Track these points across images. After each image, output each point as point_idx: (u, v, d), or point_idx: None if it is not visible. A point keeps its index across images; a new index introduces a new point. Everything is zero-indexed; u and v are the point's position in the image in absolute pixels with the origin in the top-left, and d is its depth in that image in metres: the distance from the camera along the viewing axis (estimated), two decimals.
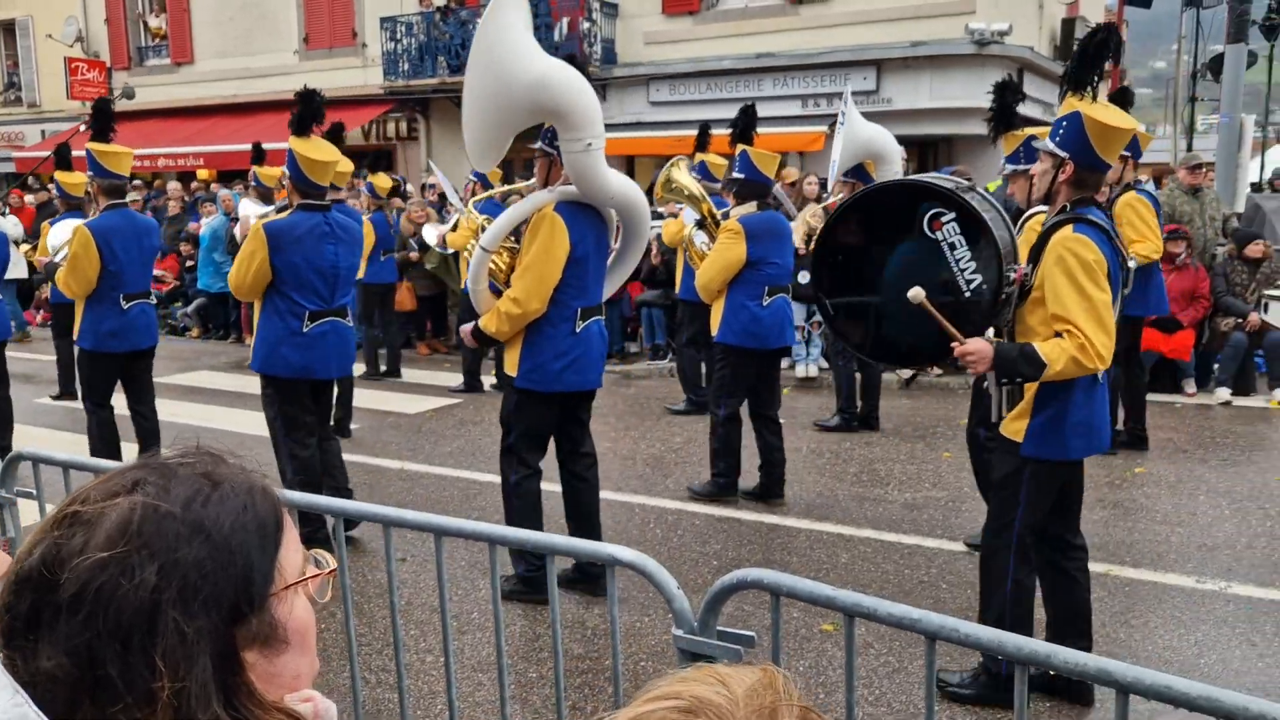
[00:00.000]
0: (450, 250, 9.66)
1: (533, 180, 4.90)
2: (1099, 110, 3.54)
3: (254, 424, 7.36)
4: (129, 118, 18.97)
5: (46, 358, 10.54)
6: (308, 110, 5.30)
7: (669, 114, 16.04)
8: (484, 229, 4.75)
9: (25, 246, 10.85)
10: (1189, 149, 15.98)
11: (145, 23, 22.70)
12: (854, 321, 3.78)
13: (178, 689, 0.87)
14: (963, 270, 3.43)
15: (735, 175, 6.25)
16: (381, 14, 18.26)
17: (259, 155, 8.89)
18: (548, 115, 4.41)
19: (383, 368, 10.48)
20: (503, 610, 2.64)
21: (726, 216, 6.28)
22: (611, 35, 16.84)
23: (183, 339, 13.64)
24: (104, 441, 6.25)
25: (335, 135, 5.97)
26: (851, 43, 14.84)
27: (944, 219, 3.43)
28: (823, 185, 9.67)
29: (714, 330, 6.22)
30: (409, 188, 14.21)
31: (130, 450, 6.41)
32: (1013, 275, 3.51)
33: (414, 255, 11.17)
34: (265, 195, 8.74)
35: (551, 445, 4.95)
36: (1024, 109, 10.69)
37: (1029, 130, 5.43)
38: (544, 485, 4.91)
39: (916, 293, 3.39)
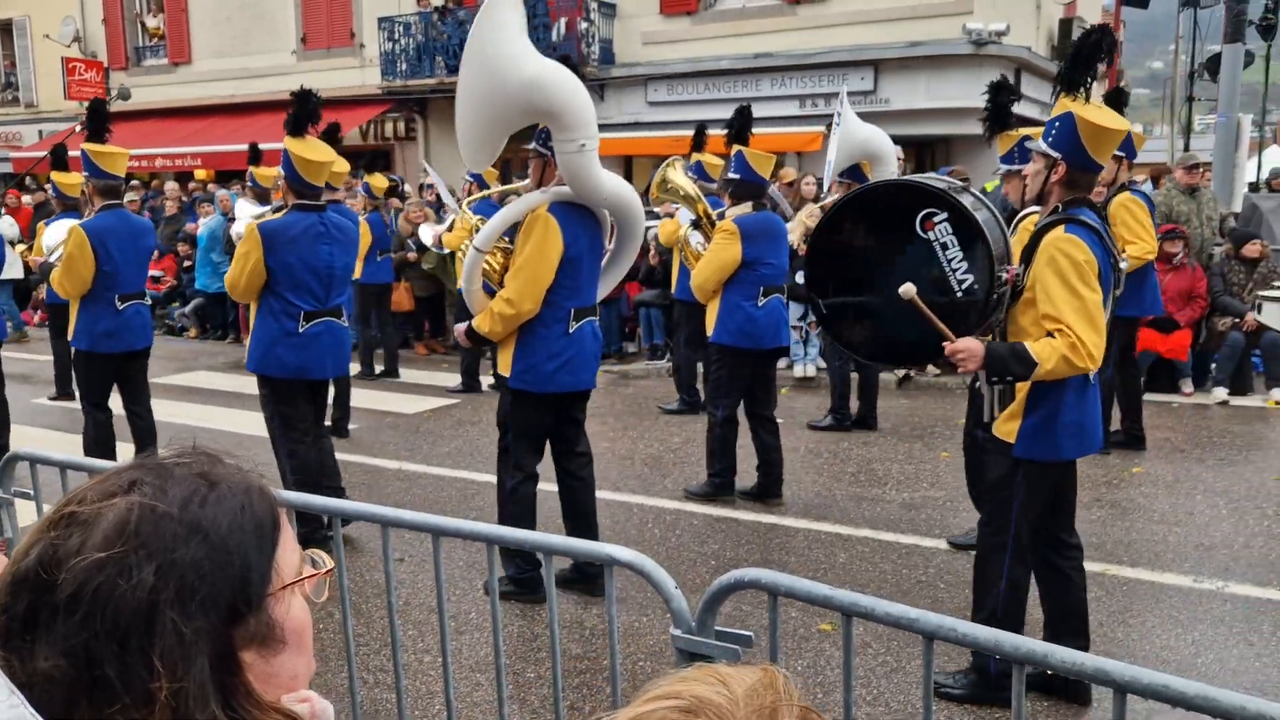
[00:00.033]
0: (446, 250, 9.66)
1: (528, 181, 4.90)
2: (1091, 111, 3.55)
3: (252, 424, 7.36)
4: (126, 118, 19.01)
5: (44, 358, 10.54)
6: (303, 110, 5.30)
7: (667, 114, 16.03)
8: (479, 229, 4.75)
9: (21, 247, 10.83)
10: (1186, 149, 15.98)
11: (143, 23, 22.66)
12: (847, 321, 3.78)
13: (176, 689, 0.86)
14: (954, 270, 3.44)
15: (730, 176, 6.25)
16: (379, 14, 18.24)
17: (255, 156, 8.88)
18: (541, 116, 4.41)
19: (379, 368, 10.47)
20: (500, 610, 2.64)
21: (722, 217, 6.29)
22: (609, 35, 16.83)
23: (180, 339, 13.63)
24: (99, 443, 6.24)
25: (331, 135, 5.97)
26: (849, 43, 14.84)
27: (936, 219, 3.44)
28: (820, 185, 9.67)
29: (709, 330, 6.23)
30: (407, 188, 14.20)
31: (126, 450, 6.41)
32: (1004, 276, 3.52)
33: (412, 255, 11.16)
34: (262, 196, 8.72)
35: (547, 445, 4.95)
36: (1021, 109, 10.73)
37: (1024, 130, 5.44)
38: (540, 485, 4.91)
39: (908, 288, 3.40)
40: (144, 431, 6.45)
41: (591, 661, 4.24)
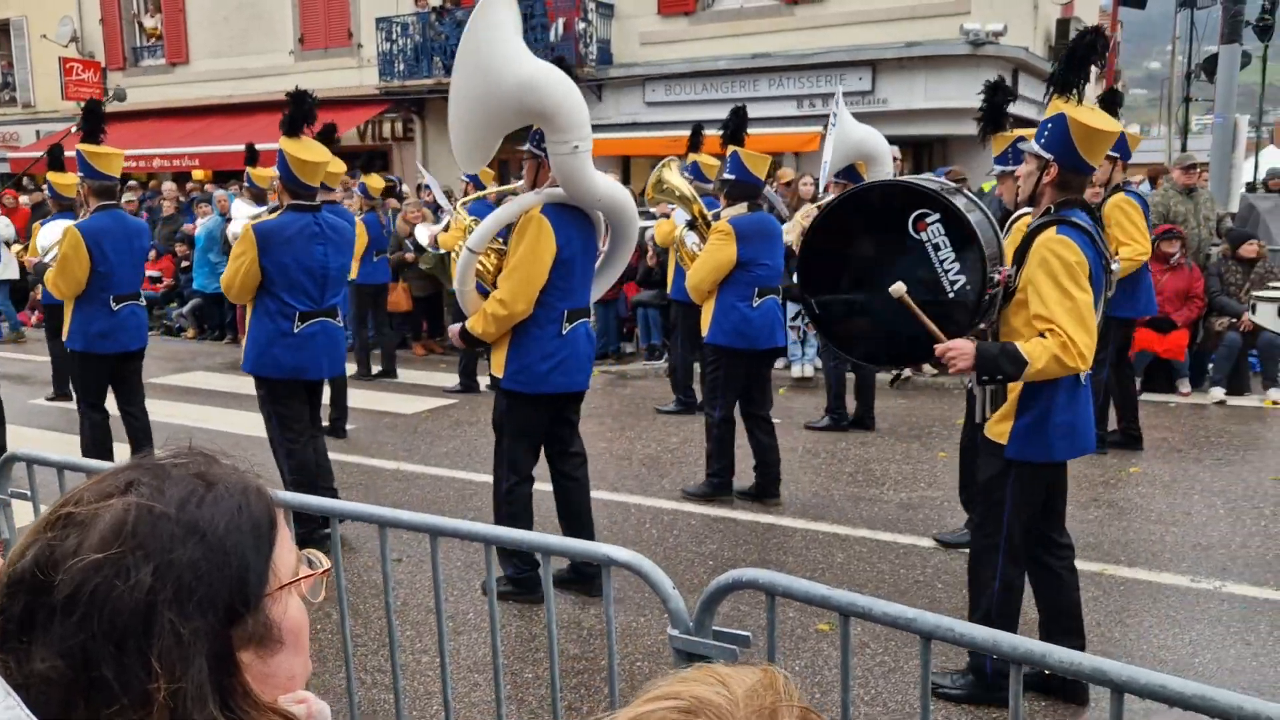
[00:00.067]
0: (442, 251, 9.65)
1: (523, 182, 4.90)
2: (1083, 113, 3.56)
3: (249, 424, 7.36)
4: (124, 118, 18.99)
5: (41, 359, 10.52)
6: (299, 111, 5.29)
7: (665, 114, 16.04)
8: (473, 230, 4.75)
9: (16, 247, 10.82)
10: (1183, 149, 16.02)
11: (140, 23, 22.64)
12: (840, 321, 3.78)
13: (174, 690, 0.86)
14: (946, 271, 3.44)
15: (726, 176, 6.25)
16: (377, 14, 18.24)
17: (252, 156, 8.87)
18: (535, 117, 4.41)
19: (376, 369, 10.46)
20: (498, 611, 2.64)
21: (718, 217, 6.29)
22: (607, 36, 16.84)
23: (178, 339, 13.61)
24: (95, 443, 6.24)
25: (327, 136, 5.97)
26: (847, 43, 14.86)
27: (929, 220, 3.44)
28: (818, 186, 9.67)
29: (704, 331, 6.23)
30: (404, 188, 14.19)
31: (122, 451, 6.40)
32: (997, 277, 3.52)
33: (409, 256, 11.15)
34: (258, 196, 8.72)
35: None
36: (1019, 109, 10.72)
37: (1018, 131, 5.43)
38: (536, 486, 4.91)
39: (898, 287, 3.41)
40: (139, 432, 6.44)
41: (589, 662, 4.24)
